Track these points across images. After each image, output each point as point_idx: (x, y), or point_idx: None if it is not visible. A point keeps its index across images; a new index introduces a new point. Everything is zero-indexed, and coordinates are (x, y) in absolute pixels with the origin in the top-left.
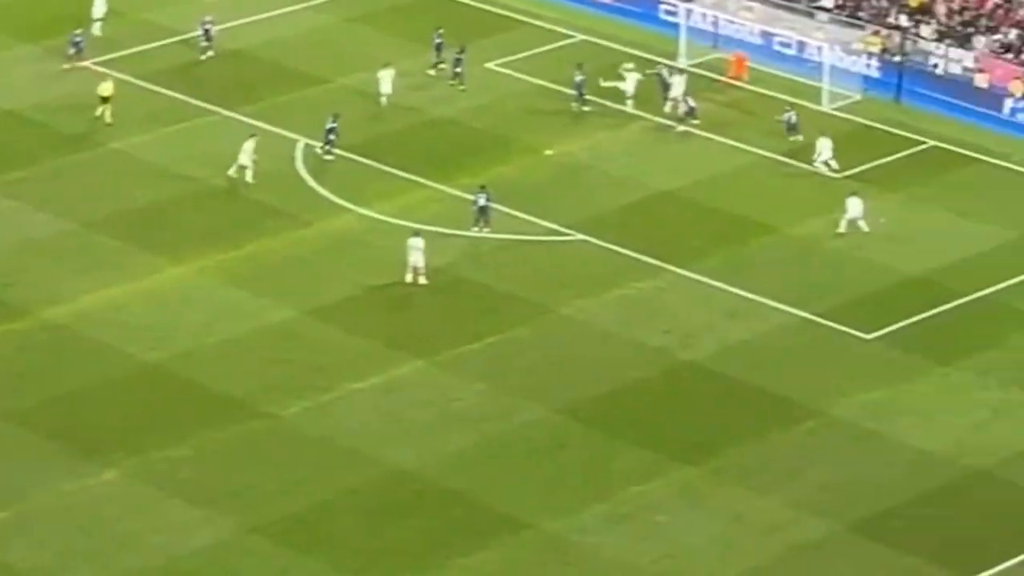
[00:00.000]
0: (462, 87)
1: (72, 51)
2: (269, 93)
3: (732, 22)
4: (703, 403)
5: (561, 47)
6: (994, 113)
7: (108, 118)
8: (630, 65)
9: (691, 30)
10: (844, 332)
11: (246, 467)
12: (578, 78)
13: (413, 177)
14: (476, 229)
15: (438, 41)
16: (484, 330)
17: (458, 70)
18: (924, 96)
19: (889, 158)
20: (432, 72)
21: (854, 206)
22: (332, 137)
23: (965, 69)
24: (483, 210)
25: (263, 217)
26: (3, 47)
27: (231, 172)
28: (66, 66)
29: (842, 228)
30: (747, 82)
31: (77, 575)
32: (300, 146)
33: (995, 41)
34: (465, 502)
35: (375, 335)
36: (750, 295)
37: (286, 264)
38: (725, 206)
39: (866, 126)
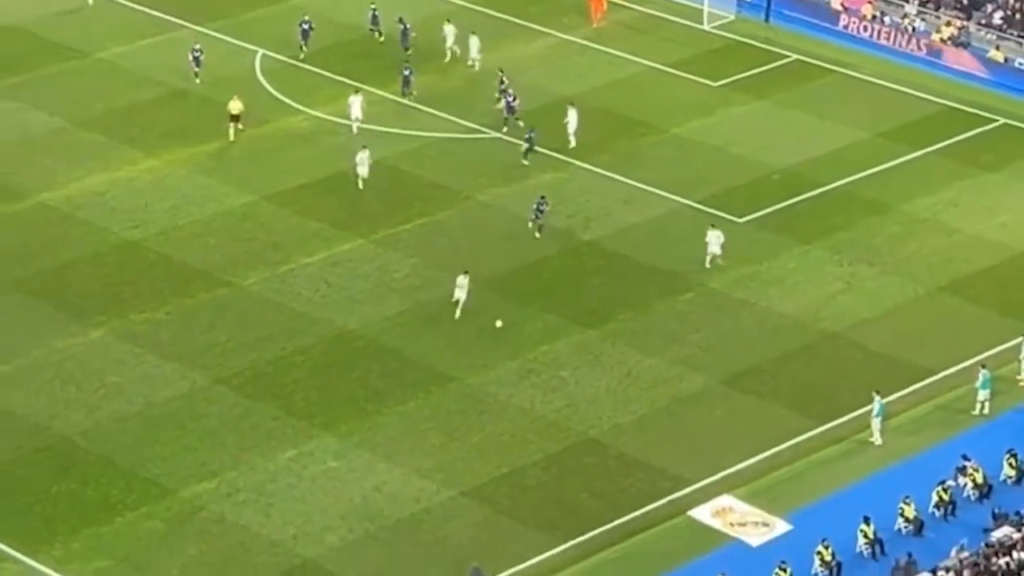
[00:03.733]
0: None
1: None
2: (233, 10)
3: None
4: (601, 276)
5: None
6: (849, 32)
7: (232, 135)
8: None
9: None
10: (720, 216)
11: (212, 328)
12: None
13: (355, 83)
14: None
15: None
16: (415, 213)
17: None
18: (789, 16)
19: (759, 70)
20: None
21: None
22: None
23: None
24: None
25: (226, 118)
26: None
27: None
28: None
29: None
30: (605, 15)
31: (68, 419)
32: (259, 56)
33: None
34: (400, 358)
35: (323, 218)
36: (641, 185)
37: (247, 157)
38: (619, 109)
39: (739, 42)
